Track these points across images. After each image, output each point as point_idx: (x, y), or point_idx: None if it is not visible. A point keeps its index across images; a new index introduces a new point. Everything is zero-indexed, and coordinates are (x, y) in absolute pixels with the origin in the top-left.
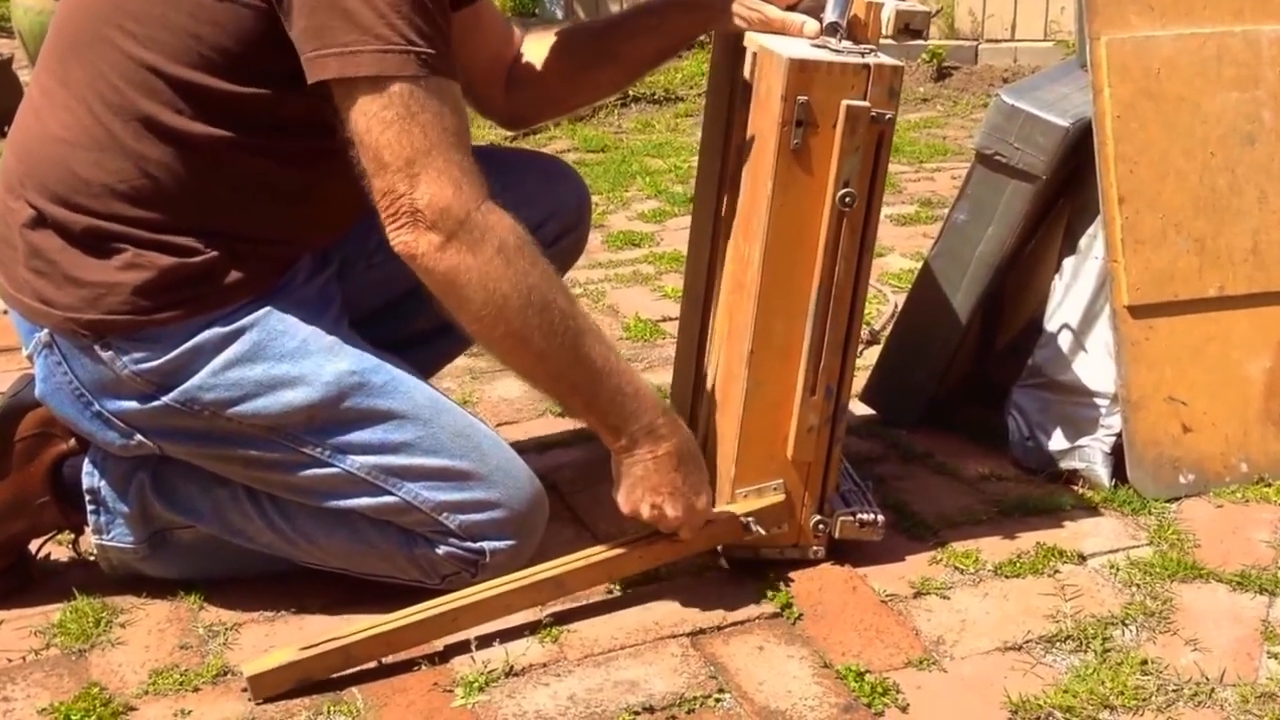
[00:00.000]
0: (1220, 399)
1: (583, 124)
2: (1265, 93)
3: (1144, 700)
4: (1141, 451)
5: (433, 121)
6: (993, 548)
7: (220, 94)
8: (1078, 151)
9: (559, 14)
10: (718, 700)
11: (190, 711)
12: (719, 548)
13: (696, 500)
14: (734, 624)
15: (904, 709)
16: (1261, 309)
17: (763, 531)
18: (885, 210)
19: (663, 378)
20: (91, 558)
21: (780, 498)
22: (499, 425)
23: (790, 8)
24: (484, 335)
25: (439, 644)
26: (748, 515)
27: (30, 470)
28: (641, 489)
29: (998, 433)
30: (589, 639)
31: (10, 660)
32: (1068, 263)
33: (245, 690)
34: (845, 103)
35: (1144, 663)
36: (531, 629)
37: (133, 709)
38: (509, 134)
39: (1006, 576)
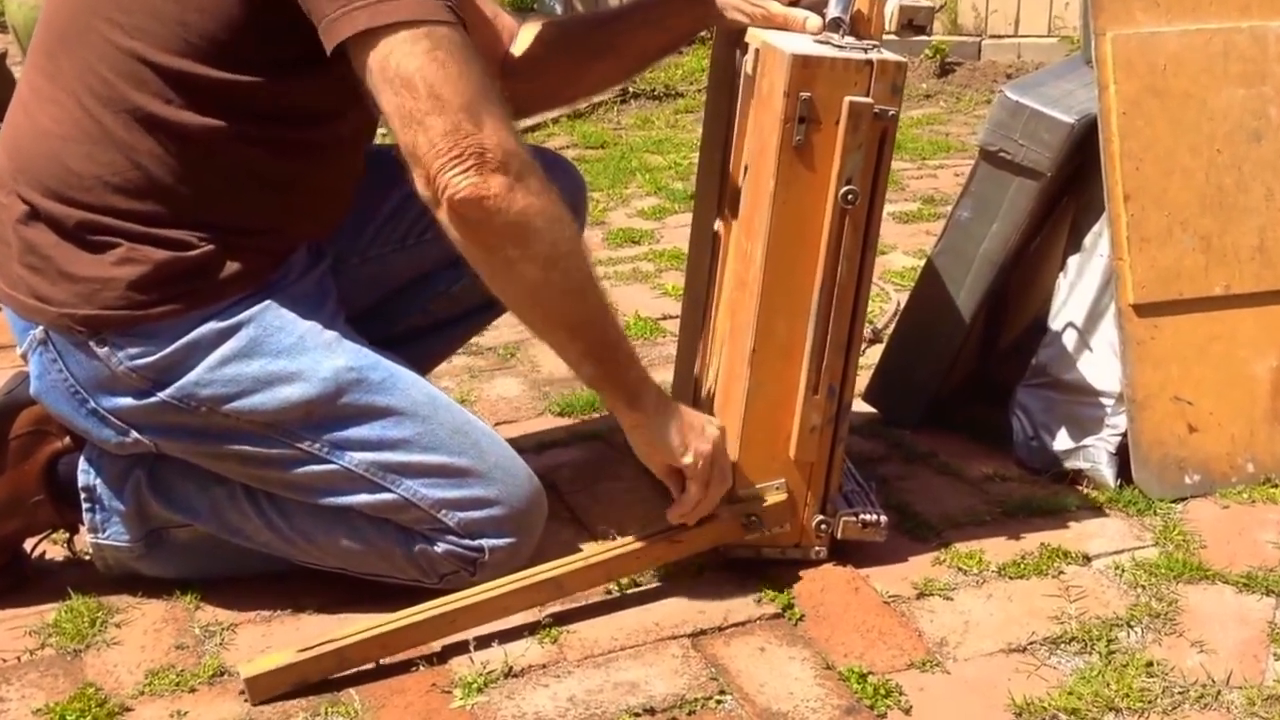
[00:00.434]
0: (1226, 398)
1: (581, 120)
2: (1272, 89)
3: (1149, 702)
4: (1147, 451)
5: (481, 69)
6: (996, 548)
7: (209, 82)
8: (1083, 148)
9: (558, 9)
10: (719, 702)
11: (186, 712)
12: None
13: (714, 439)
14: (735, 625)
15: (907, 711)
16: (1268, 307)
17: (764, 531)
18: (887, 208)
19: (663, 376)
20: (87, 557)
21: (782, 497)
22: (497, 424)
23: (792, 3)
24: (543, 279)
25: (437, 645)
26: (750, 514)
27: (25, 468)
28: (679, 436)
29: (1002, 433)
30: (589, 640)
31: (5, 660)
32: (1072, 261)
33: (243, 692)
34: (848, 99)
35: (1149, 665)
36: (531, 630)
37: (128, 710)
38: None
39: (1010, 577)
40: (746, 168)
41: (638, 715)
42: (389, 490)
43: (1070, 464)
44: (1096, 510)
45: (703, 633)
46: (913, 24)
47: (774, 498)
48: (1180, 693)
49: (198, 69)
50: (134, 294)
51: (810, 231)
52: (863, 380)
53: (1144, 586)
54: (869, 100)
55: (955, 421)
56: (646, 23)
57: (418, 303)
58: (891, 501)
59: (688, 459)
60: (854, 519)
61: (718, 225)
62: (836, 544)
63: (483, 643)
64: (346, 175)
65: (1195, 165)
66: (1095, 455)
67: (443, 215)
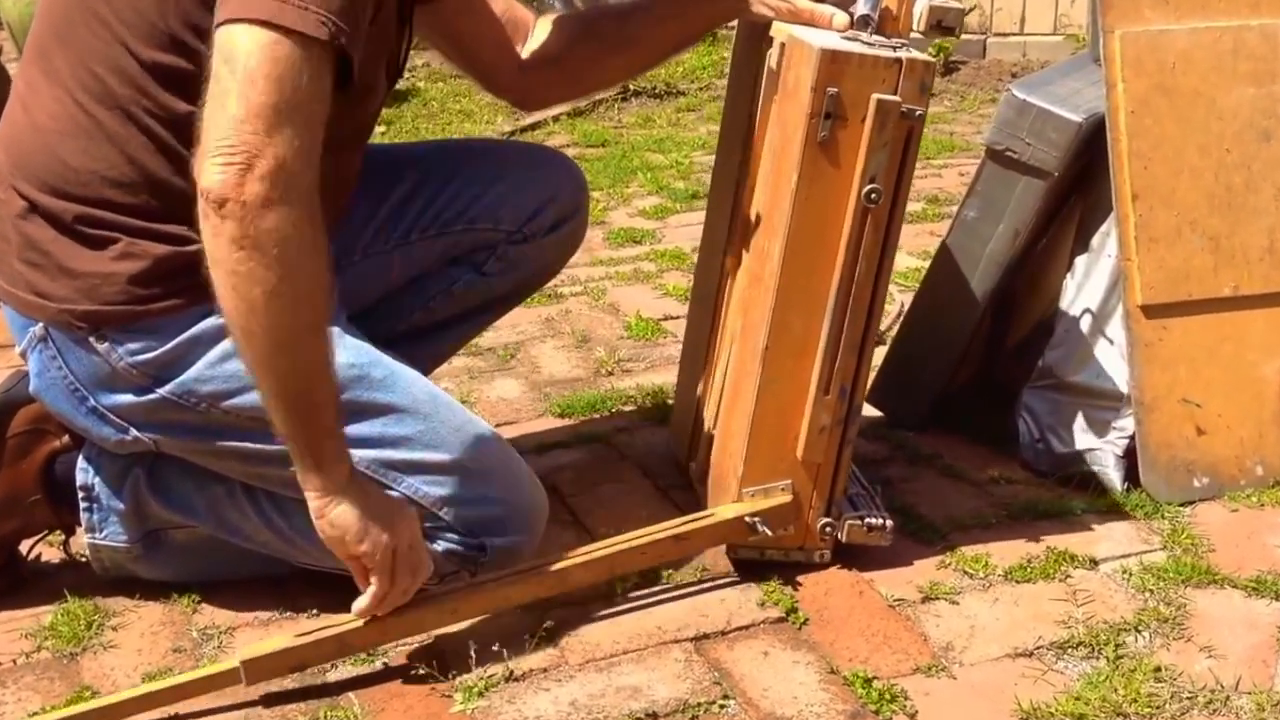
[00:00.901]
0: (1235, 401)
1: (582, 118)
2: None
3: (1157, 708)
4: (1154, 454)
5: (315, 96)
6: (1003, 552)
7: (193, 76)
8: (1090, 147)
9: (557, 4)
10: (722, 707)
11: (184, 716)
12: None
13: (394, 532)
14: (738, 629)
15: (912, 716)
16: (1278, 309)
17: (769, 532)
18: None
19: (665, 378)
20: (83, 559)
21: (788, 498)
22: (497, 426)
23: None
24: (263, 306)
25: (437, 646)
26: (753, 515)
27: (22, 467)
28: (360, 523)
29: (1007, 435)
30: (590, 643)
31: (0, 664)
32: (1080, 261)
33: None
34: (876, 96)
35: (1157, 670)
36: (532, 633)
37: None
38: (509, 127)
39: (1017, 581)
40: (768, 163)
41: None
42: (390, 488)
43: (1077, 467)
44: (1103, 513)
45: (706, 636)
46: (941, 25)
47: (779, 498)
48: (1188, 698)
49: (180, 63)
50: (134, 289)
51: (830, 229)
52: None
53: (1152, 591)
54: (896, 98)
55: (960, 423)
56: (671, 15)
57: (419, 301)
58: (896, 504)
59: (364, 547)
60: (859, 523)
61: (732, 224)
62: (840, 547)
63: (483, 646)
64: (345, 169)
65: (1204, 165)
66: (1102, 458)
67: (199, 199)
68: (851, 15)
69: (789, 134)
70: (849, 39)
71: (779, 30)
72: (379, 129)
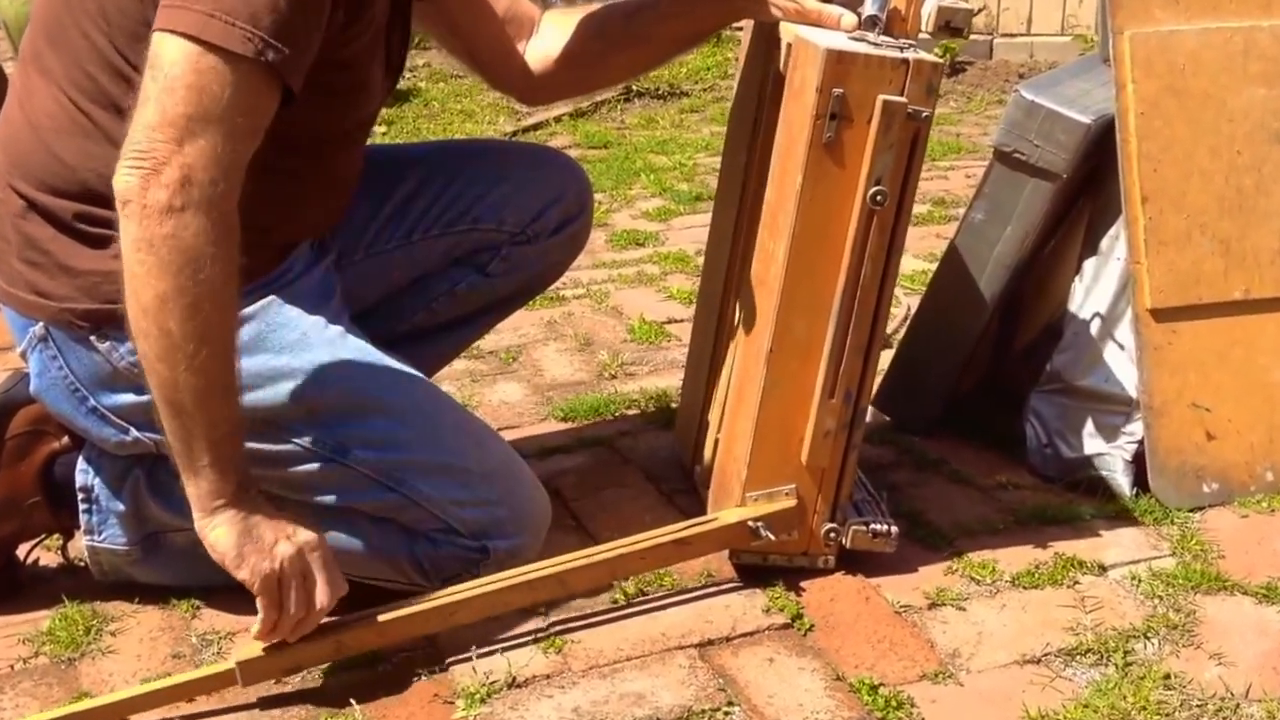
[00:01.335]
0: (1245, 406)
1: (584, 119)
2: None
3: (1167, 716)
4: (1164, 459)
5: (237, 110)
6: (1010, 558)
7: None
8: (1099, 149)
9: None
10: (726, 714)
11: (182, 719)
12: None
13: (274, 556)
14: (743, 635)
15: None
16: None
17: (772, 537)
18: None
19: (668, 381)
20: (82, 563)
21: (792, 503)
22: (499, 429)
23: None
24: (155, 309)
25: (439, 653)
26: (757, 520)
27: (21, 469)
28: (235, 548)
29: (1015, 439)
30: (594, 650)
31: None
32: (1088, 264)
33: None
34: (882, 97)
35: (1167, 677)
36: (534, 639)
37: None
38: (511, 127)
39: (1024, 588)
40: (774, 164)
41: None
42: (392, 489)
43: (1085, 472)
44: (1112, 519)
45: (710, 643)
46: (950, 25)
47: (783, 503)
48: (1198, 706)
49: None
50: None
51: (835, 231)
52: None
53: (1161, 597)
54: (903, 100)
55: (967, 428)
56: (676, 14)
57: (422, 302)
58: (902, 509)
59: (242, 574)
60: (864, 528)
61: (737, 225)
62: (845, 553)
63: (486, 652)
64: (345, 168)
65: (1215, 167)
66: (1111, 463)
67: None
68: (859, 16)
69: (794, 135)
70: (856, 39)
71: (786, 31)
72: (379, 129)
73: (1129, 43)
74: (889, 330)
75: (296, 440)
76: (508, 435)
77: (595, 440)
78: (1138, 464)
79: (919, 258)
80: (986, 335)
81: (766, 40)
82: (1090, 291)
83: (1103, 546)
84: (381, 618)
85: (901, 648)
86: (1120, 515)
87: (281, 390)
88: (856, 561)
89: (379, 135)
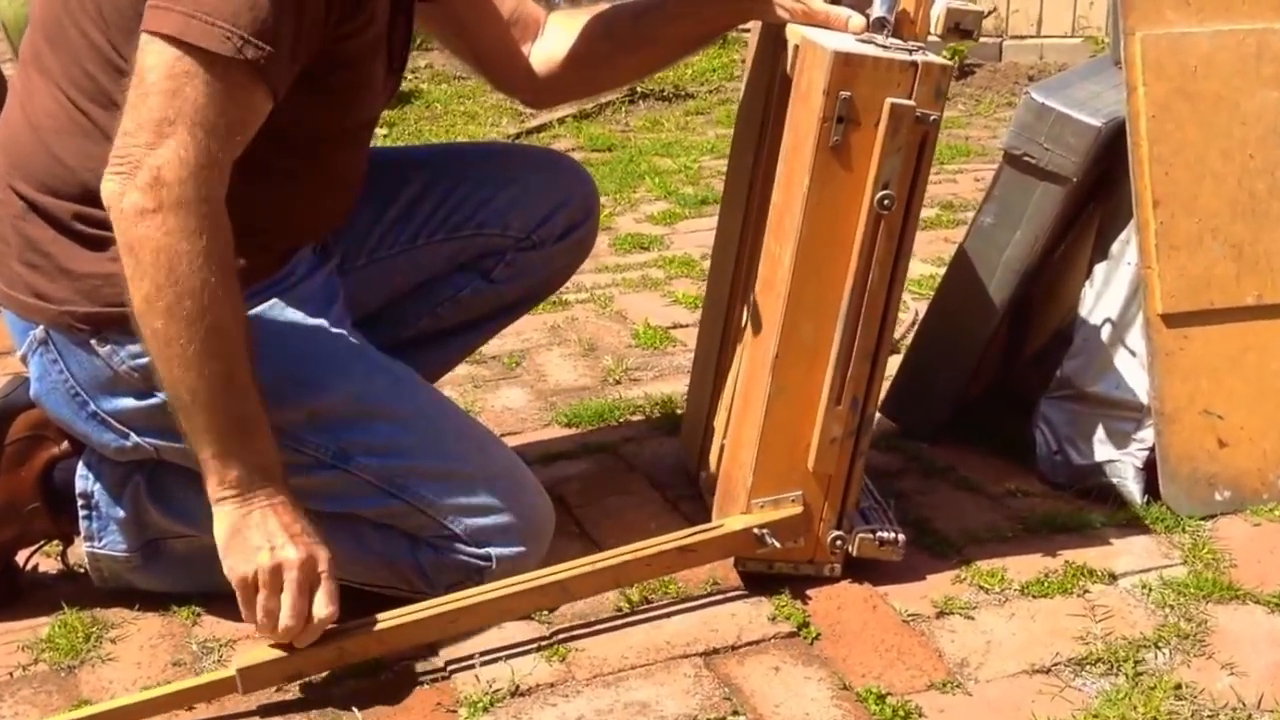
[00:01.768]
0: (1258, 412)
1: (588, 121)
2: None
3: None
4: (1175, 467)
5: (219, 102)
6: (1019, 566)
7: None
8: (1110, 152)
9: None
10: None
11: None
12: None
13: (283, 552)
14: (749, 643)
15: None
16: None
17: (778, 545)
18: None
19: (673, 387)
20: (81, 570)
21: (798, 510)
22: (502, 435)
23: (835, 1)
24: (145, 309)
25: (441, 661)
26: (762, 527)
27: (21, 475)
28: (259, 539)
29: (1024, 446)
30: (598, 658)
31: None
32: (1099, 269)
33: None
34: (890, 100)
35: (1178, 687)
36: (538, 647)
37: None
38: (514, 129)
39: (1034, 596)
40: (780, 168)
41: None
42: (395, 496)
43: (1096, 479)
44: (1123, 527)
45: (715, 651)
46: (959, 28)
47: (789, 510)
48: (1209, 716)
49: None
50: None
51: (842, 235)
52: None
53: (1172, 606)
54: (911, 103)
55: (976, 434)
56: (684, 14)
57: (425, 308)
58: (910, 517)
59: (224, 568)
60: (871, 536)
61: (744, 229)
62: (852, 561)
63: (489, 660)
64: (348, 170)
65: (1227, 170)
66: (1122, 470)
67: None
68: (867, 18)
69: (801, 138)
70: (864, 42)
71: (793, 33)
72: (380, 131)
73: (1140, 45)
74: (896, 336)
75: (299, 447)
76: (511, 441)
77: (599, 446)
78: (1149, 471)
79: (927, 262)
80: (995, 341)
81: (774, 42)
82: (1101, 296)
83: (1113, 555)
84: (383, 624)
85: (909, 657)
86: (1131, 523)
87: (283, 395)
88: (863, 569)
89: (380, 138)
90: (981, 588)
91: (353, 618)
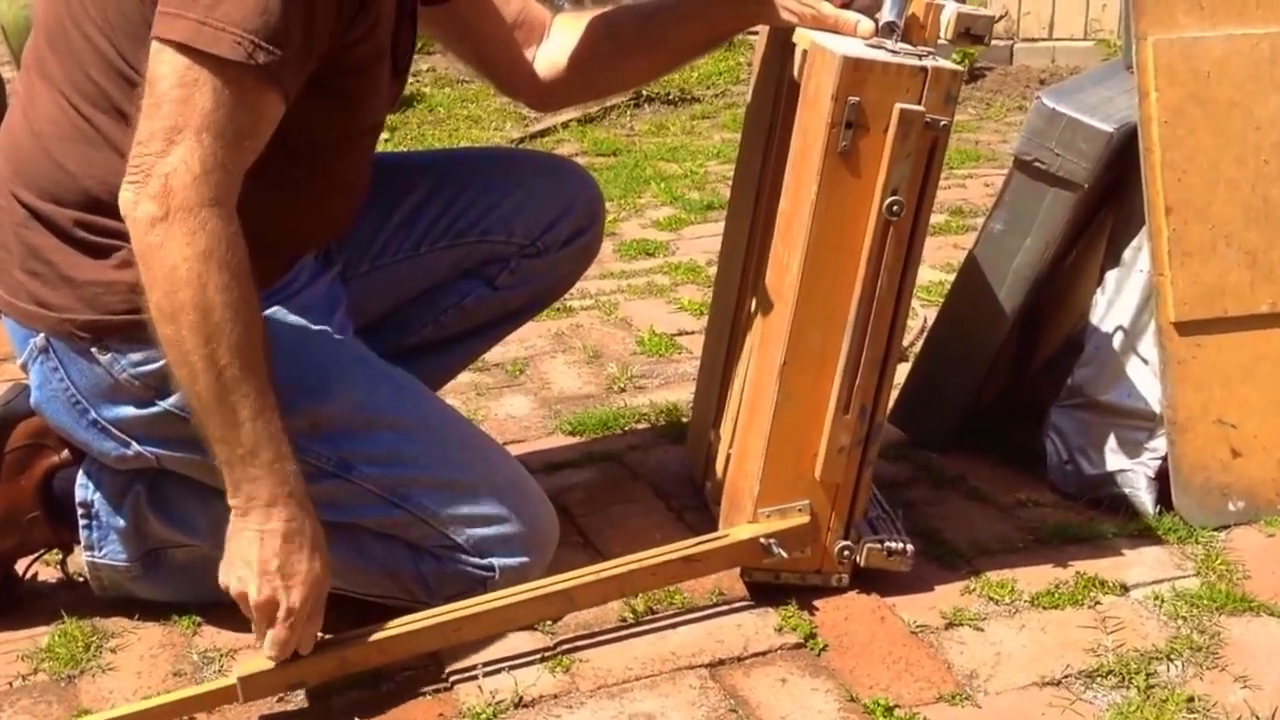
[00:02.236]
0: (1272, 422)
1: (593, 125)
2: None
3: None
4: (1188, 477)
5: (230, 108)
6: (1029, 577)
7: None
8: (1122, 158)
9: (566, 5)
10: None
11: None
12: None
13: (288, 590)
14: (755, 654)
15: None
16: None
17: (784, 554)
18: None
19: (679, 395)
20: (81, 578)
21: (805, 519)
22: (506, 444)
23: (845, 5)
24: (156, 316)
25: (444, 671)
26: (769, 537)
27: (21, 483)
28: (236, 559)
29: (1035, 456)
30: (602, 669)
31: None
32: (1110, 276)
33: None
34: (899, 106)
35: (1190, 700)
36: (542, 657)
37: None
38: (518, 133)
39: (1044, 608)
40: (788, 173)
41: None
42: (398, 506)
43: (1107, 489)
44: (1135, 538)
45: (721, 662)
46: (970, 33)
47: (796, 520)
48: None
49: None
50: (137, 298)
51: (851, 242)
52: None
53: (1184, 618)
54: (920, 108)
55: (986, 443)
56: (693, 17)
57: (429, 315)
58: (919, 527)
59: (232, 584)
60: (879, 546)
61: (751, 235)
62: (859, 571)
63: (491, 671)
64: (352, 176)
65: (1241, 176)
66: (1133, 480)
67: None
68: (877, 22)
69: (809, 143)
70: (873, 47)
71: (802, 37)
72: (383, 136)
73: (1152, 49)
74: (905, 343)
75: (301, 456)
76: (514, 450)
77: (604, 455)
78: (1161, 481)
79: (936, 269)
80: (1006, 348)
81: (782, 46)
82: (1112, 304)
83: (1125, 566)
84: (385, 634)
85: (917, 669)
86: (1143, 534)
87: (284, 403)
88: (871, 580)
89: (383, 142)
90: (991, 599)
91: (354, 627)
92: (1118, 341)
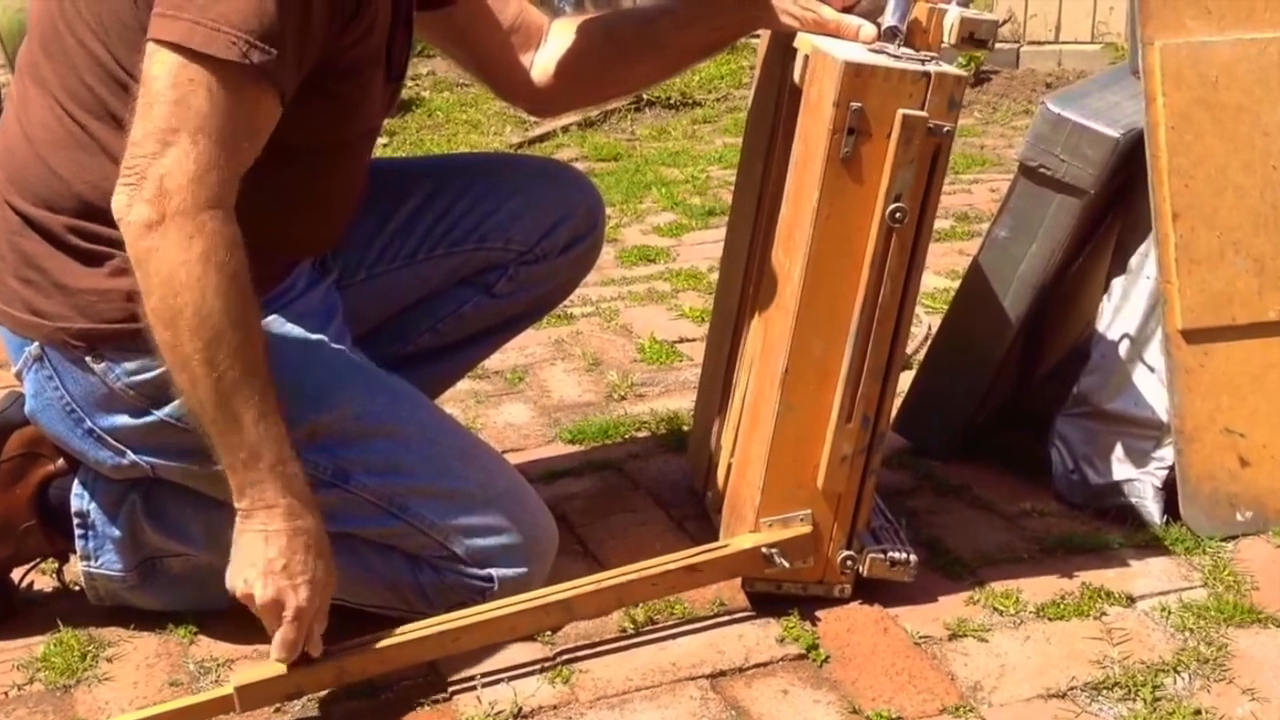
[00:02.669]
0: None
1: (593, 130)
2: None
3: None
4: (1195, 486)
5: (226, 108)
6: (1034, 588)
7: None
8: (1129, 164)
9: (567, 8)
10: None
11: None
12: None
13: (295, 589)
14: (756, 666)
15: None
16: None
17: (786, 565)
18: None
19: (680, 403)
20: (77, 588)
21: (807, 529)
22: (505, 452)
23: (847, 10)
24: (153, 321)
25: (442, 681)
26: (771, 546)
27: (16, 493)
28: (242, 561)
29: (1040, 465)
30: (602, 680)
31: None
32: (1117, 283)
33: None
34: (902, 112)
35: (1197, 713)
36: (541, 668)
37: None
38: (517, 138)
39: (1049, 619)
40: (790, 180)
41: None
42: (396, 516)
43: (1113, 499)
44: (1141, 548)
45: (722, 673)
46: (974, 38)
47: (798, 529)
48: None
49: None
50: (131, 306)
51: (854, 249)
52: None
53: (1192, 630)
54: (923, 114)
55: (990, 452)
56: (694, 21)
57: (427, 323)
58: (922, 537)
59: (238, 586)
60: (882, 556)
61: (753, 241)
62: (862, 582)
63: (490, 681)
64: (347, 181)
65: (1249, 183)
66: (1140, 490)
67: None
68: (879, 27)
69: (811, 149)
70: (875, 52)
71: (803, 42)
72: (381, 140)
73: (1159, 54)
74: (909, 351)
75: None
76: (513, 458)
77: (604, 463)
78: (1168, 491)
79: (940, 275)
80: (1010, 356)
81: (784, 51)
82: (1119, 311)
83: (1131, 576)
84: (383, 644)
85: (921, 680)
86: (1149, 544)
87: (282, 413)
88: (874, 591)
89: (381, 147)
90: (995, 609)
91: (352, 637)
92: (1124, 349)
